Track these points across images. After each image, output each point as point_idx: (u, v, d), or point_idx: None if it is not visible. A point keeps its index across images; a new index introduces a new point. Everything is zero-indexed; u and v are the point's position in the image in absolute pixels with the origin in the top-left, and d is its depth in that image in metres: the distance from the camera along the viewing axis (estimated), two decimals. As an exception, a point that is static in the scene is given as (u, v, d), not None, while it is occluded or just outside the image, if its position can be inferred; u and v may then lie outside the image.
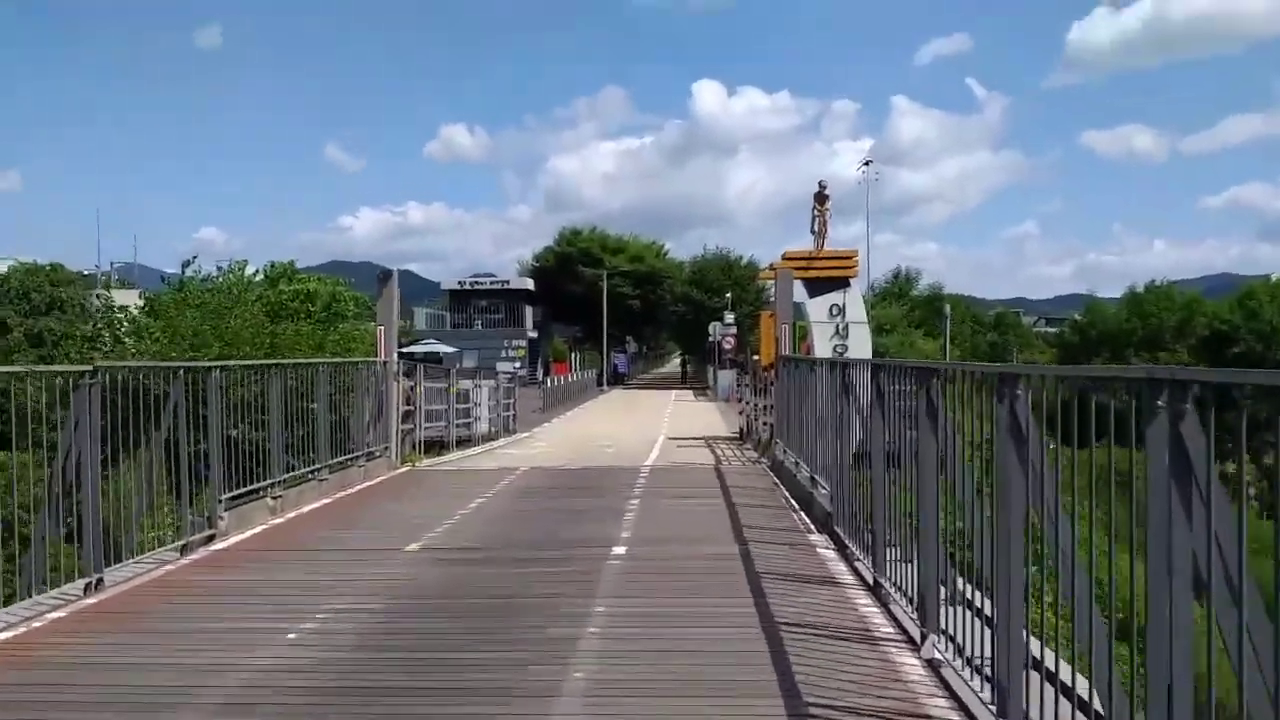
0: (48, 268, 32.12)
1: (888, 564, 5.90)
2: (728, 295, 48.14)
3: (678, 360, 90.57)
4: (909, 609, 5.24)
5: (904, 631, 5.13)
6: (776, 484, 11.42)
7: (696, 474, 12.68)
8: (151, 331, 15.92)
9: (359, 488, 11.46)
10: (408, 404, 14.81)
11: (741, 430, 21.74)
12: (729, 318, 42.96)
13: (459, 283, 52.28)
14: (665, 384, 62.68)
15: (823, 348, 20.10)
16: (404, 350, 49.22)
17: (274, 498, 9.49)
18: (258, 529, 8.74)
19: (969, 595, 4.38)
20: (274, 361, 9.92)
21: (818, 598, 5.95)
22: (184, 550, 7.65)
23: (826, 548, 7.52)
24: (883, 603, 5.83)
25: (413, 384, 14.88)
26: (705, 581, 6.50)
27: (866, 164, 24.63)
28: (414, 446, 14.83)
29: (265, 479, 9.41)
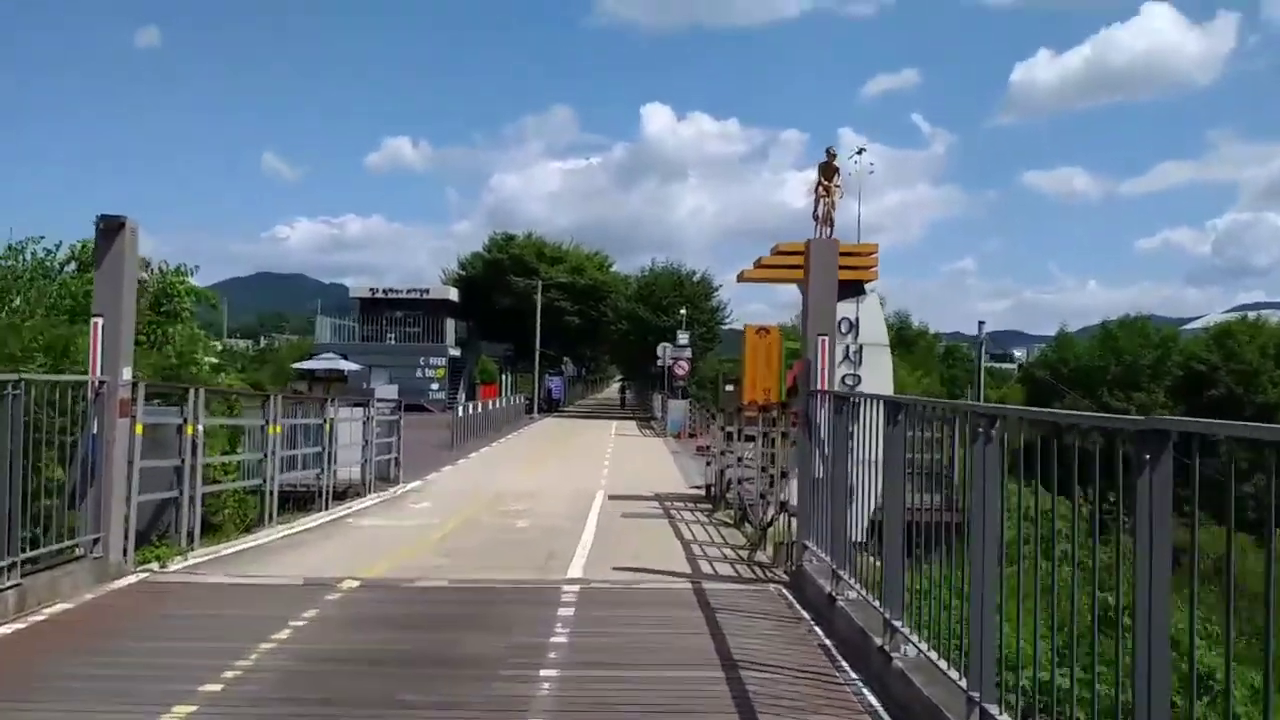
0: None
1: None
2: (682, 312, 42.19)
3: (619, 384, 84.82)
4: None
5: None
6: (831, 654, 5.64)
7: (665, 613, 6.76)
8: None
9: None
10: (188, 454, 8.80)
11: (709, 488, 15.99)
12: (683, 338, 37.15)
13: (370, 290, 45.58)
14: (605, 412, 56.73)
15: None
16: (300, 366, 42.64)
17: None
18: None
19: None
20: None
21: None
22: None
23: None
24: None
25: (182, 421, 8.83)
26: None
27: (860, 152, 19.13)
28: (190, 524, 8.78)
29: None
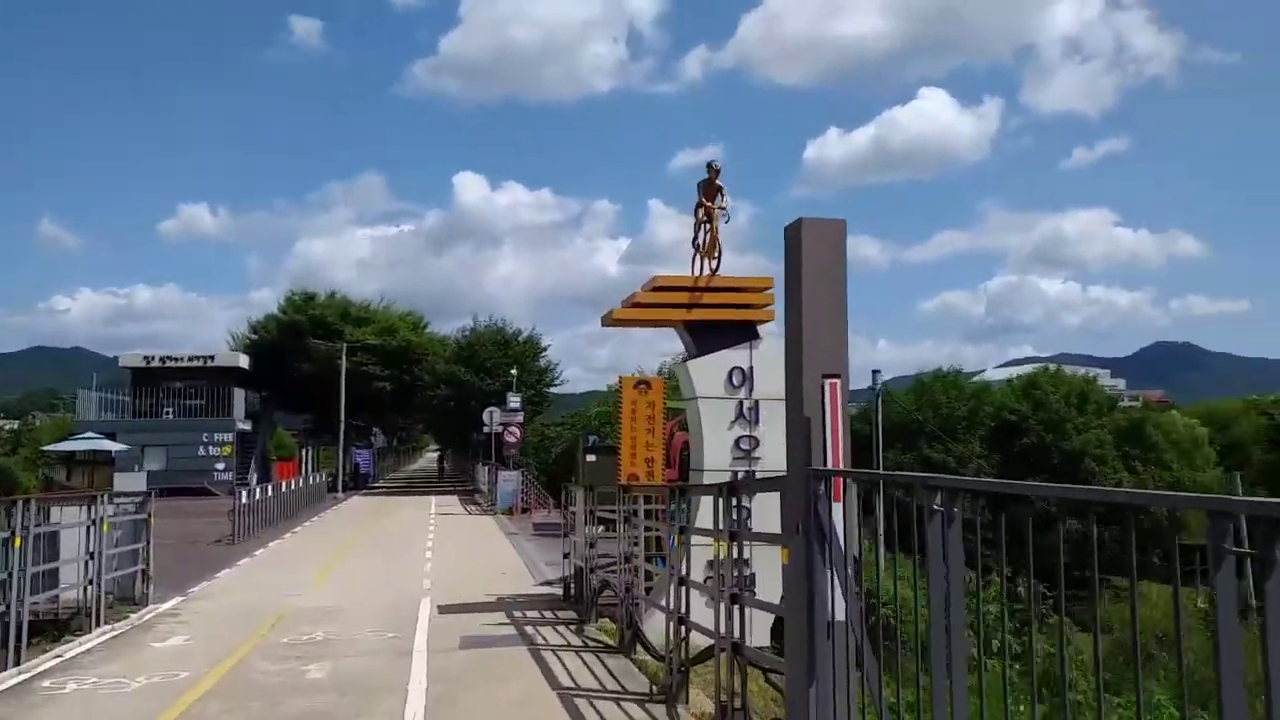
0: None
1: None
2: (513, 373, 38.18)
3: (435, 455, 79.63)
4: None
5: None
6: None
7: None
8: None
9: None
10: None
11: (567, 586, 12.69)
12: (514, 401, 33.45)
13: (144, 359, 39.31)
14: (421, 485, 51.95)
15: (716, 442, 11.50)
16: (56, 449, 36.05)
17: None
18: None
19: None
20: None
21: None
22: None
23: None
24: None
25: None
26: None
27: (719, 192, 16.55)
28: None
29: None
